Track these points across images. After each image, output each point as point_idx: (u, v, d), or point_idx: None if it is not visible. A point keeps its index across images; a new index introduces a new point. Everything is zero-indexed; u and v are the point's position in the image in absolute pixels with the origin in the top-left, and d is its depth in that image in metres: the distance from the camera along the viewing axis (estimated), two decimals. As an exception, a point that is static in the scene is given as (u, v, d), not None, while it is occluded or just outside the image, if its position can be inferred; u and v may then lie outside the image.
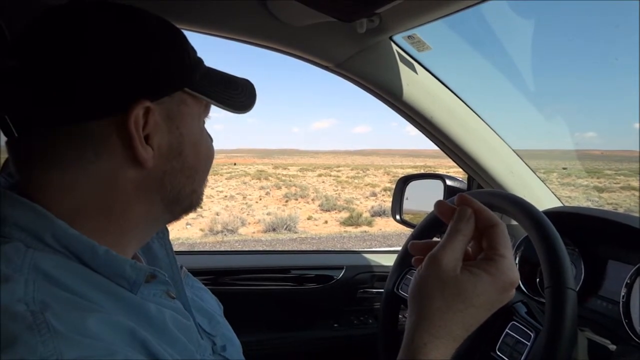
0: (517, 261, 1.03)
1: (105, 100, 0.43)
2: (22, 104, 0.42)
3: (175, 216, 0.54)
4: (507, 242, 0.49)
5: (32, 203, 0.43)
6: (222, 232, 11.99)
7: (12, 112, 0.43)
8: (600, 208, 1.11)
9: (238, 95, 0.55)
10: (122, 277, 0.44)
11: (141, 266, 0.46)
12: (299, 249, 8.47)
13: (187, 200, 0.52)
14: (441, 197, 1.31)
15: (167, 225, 0.60)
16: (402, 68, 1.07)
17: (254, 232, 12.38)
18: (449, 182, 1.32)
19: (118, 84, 0.43)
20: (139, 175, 0.46)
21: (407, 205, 1.41)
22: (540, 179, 1.27)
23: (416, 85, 1.09)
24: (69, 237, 0.42)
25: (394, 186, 1.47)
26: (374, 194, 21.47)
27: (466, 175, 1.36)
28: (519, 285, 0.99)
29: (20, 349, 0.32)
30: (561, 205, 1.23)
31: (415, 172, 1.58)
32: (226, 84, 0.54)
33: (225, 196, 19.85)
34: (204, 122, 0.54)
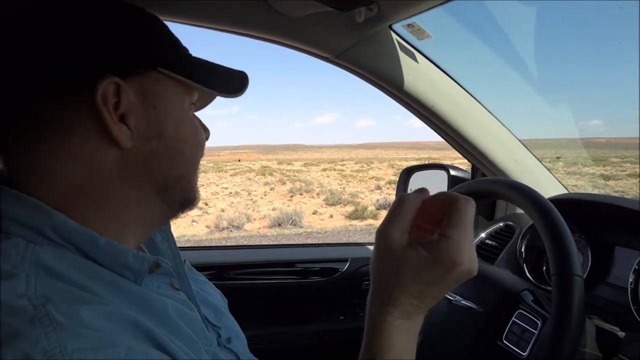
0: (522, 249, 1.02)
1: (67, 77, 0.43)
2: None
3: (172, 208, 0.53)
4: (459, 222, 0.46)
5: (28, 197, 0.43)
6: (227, 228, 12.03)
7: None
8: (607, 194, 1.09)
9: (224, 80, 0.54)
10: (125, 267, 0.44)
11: (144, 255, 0.46)
12: (303, 243, 8.49)
13: (177, 187, 0.51)
14: (445, 188, 1.30)
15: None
16: (403, 57, 1.06)
17: (259, 228, 12.41)
18: (453, 172, 1.31)
19: (80, 61, 0.43)
20: (120, 157, 0.46)
21: (411, 196, 1.40)
22: (546, 167, 1.26)
23: (417, 74, 1.08)
24: (69, 229, 0.42)
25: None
26: (378, 187, 21.43)
27: (470, 165, 1.35)
28: (526, 273, 0.99)
29: (23, 342, 0.32)
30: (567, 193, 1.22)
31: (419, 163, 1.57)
32: (211, 70, 0.53)
33: (230, 193, 19.89)
34: (192, 107, 0.53)
